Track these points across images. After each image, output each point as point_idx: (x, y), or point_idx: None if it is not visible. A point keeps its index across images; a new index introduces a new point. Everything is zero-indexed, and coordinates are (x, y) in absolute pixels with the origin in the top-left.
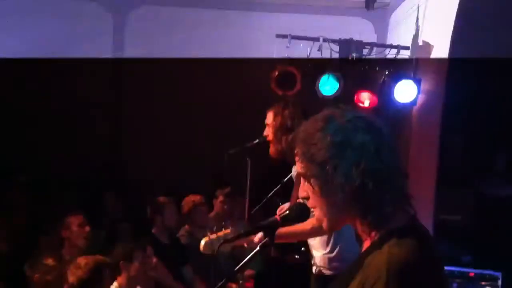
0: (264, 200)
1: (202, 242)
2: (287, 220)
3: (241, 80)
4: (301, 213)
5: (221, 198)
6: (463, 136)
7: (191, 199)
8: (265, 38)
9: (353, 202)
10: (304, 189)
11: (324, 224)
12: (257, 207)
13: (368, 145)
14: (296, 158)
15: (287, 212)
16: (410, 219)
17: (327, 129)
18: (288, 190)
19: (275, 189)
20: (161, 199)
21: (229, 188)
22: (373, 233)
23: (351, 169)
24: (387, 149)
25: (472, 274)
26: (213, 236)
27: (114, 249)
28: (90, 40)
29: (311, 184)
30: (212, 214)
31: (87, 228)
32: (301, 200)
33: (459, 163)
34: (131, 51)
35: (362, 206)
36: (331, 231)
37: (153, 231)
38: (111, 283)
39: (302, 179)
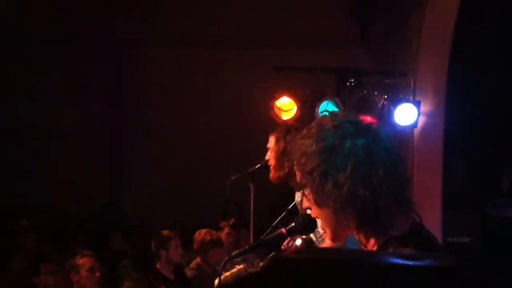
0: (269, 230)
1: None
2: (293, 232)
3: (240, 110)
4: (307, 223)
5: (226, 230)
6: (466, 156)
7: (206, 237)
8: (263, 72)
9: (346, 211)
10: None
11: (327, 235)
12: (262, 237)
13: (356, 149)
14: (295, 168)
15: (293, 224)
16: (412, 226)
17: (314, 136)
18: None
19: (280, 217)
20: (165, 232)
21: (233, 220)
22: (371, 243)
23: (337, 176)
24: (383, 153)
25: None
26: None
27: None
28: None
29: (307, 194)
30: None
31: (98, 274)
32: (307, 211)
33: (465, 185)
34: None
35: (355, 214)
36: (335, 241)
37: (157, 266)
38: None
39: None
